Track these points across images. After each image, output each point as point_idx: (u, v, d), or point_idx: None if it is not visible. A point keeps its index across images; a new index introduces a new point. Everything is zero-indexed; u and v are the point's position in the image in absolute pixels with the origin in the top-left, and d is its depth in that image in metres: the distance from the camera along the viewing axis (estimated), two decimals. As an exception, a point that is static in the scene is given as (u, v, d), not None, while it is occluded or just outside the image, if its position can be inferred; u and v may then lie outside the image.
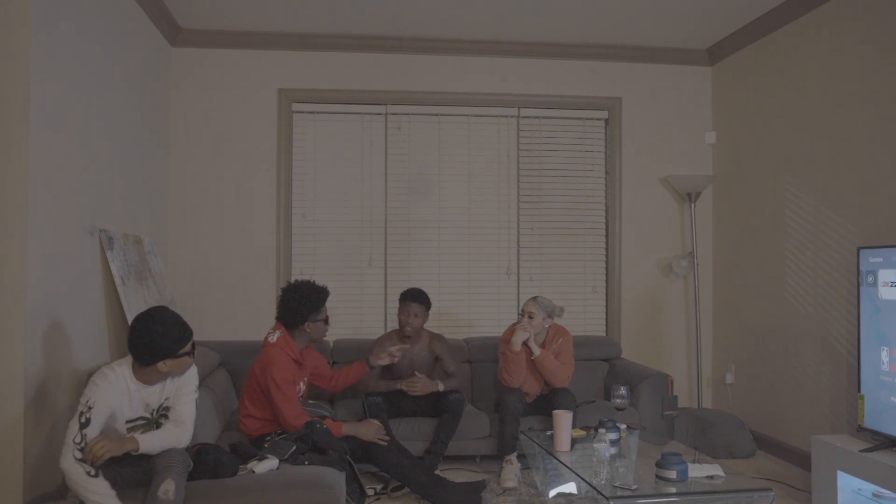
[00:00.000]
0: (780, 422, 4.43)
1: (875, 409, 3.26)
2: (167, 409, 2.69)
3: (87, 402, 2.47)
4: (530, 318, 3.96)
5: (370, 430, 3.43)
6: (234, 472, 2.79)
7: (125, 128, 3.93)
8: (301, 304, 3.42)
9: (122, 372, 2.58)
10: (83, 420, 2.43)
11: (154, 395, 2.66)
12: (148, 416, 2.65)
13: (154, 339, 2.54)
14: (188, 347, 2.63)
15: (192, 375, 2.74)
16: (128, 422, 2.60)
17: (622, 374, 4.56)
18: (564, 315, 4.19)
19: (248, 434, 3.39)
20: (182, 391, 2.69)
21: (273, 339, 3.41)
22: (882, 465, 3.03)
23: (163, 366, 2.57)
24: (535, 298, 4.05)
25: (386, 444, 3.44)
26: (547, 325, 4.04)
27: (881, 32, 3.66)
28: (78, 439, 2.41)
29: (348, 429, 3.41)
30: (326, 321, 3.53)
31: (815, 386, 4.11)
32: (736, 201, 4.99)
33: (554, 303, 4.10)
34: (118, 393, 2.54)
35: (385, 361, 3.84)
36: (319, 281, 3.57)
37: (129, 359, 2.62)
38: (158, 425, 2.67)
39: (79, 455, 2.39)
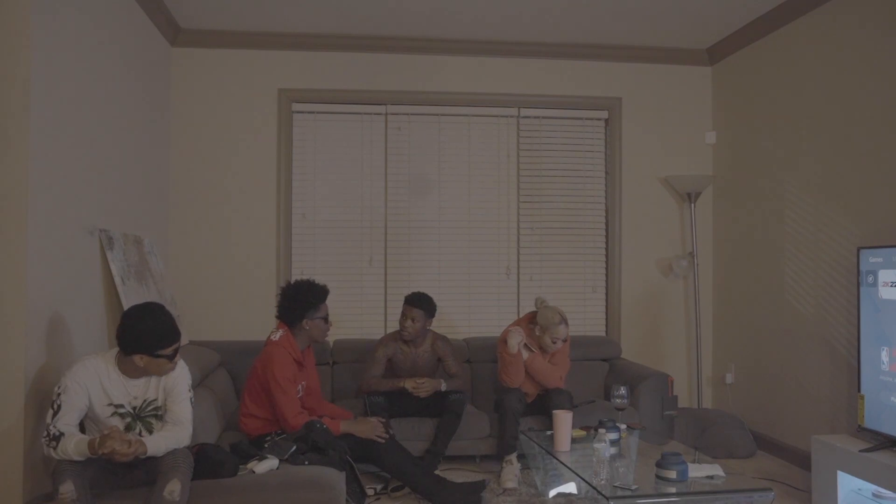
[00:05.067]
0: (780, 422, 4.43)
1: (875, 409, 3.27)
2: (157, 409, 2.69)
3: (58, 387, 2.54)
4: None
5: (367, 428, 3.43)
6: (234, 472, 2.80)
7: (125, 128, 3.93)
8: (298, 301, 3.43)
9: (101, 359, 2.62)
10: (55, 407, 2.51)
11: (138, 388, 2.65)
12: (130, 409, 2.64)
13: (138, 332, 2.56)
14: (168, 351, 2.61)
15: (183, 376, 2.74)
16: (110, 405, 2.60)
17: (622, 374, 4.56)
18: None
19: (248, 433, 3.39)
20: (175, 392, 2.69)
21: (275, 337, 3.42)
22: (882, 465, 3.03)
23: (139, 360, 2.58)
24: (565, 322, 3.94)
25: (384, 441, 3.43)
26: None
27: (881, 32, 3.66)
28: (49, 420, 2.49)
29: (346, 426, 3.41)
30: (326, 319, 3.51)
31: (815, 386, 4.11)
32: (736, 201, 4.99)
33: (550, 305, 4.08)
34: (91, 376, 2.57)
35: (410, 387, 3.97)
36: (320, 280, 3.58)
37: (115, 350, 2.65)
38: (146, 424, 2.66)
39: (45, 439, 2.47)
